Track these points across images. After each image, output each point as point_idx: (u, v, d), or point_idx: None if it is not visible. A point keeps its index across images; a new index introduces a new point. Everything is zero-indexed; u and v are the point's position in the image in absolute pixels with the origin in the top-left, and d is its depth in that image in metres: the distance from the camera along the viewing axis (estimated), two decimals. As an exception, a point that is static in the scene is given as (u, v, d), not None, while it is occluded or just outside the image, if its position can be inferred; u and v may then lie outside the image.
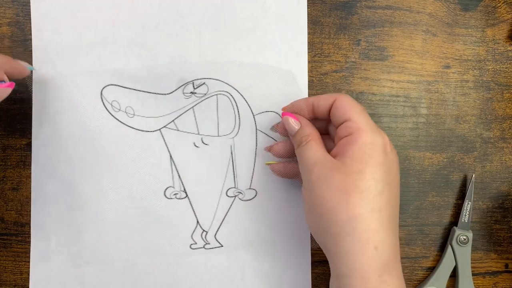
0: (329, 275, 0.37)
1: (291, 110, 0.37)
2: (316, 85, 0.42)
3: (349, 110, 0.33)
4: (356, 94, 0.43)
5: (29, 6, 0.39)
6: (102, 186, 0.40)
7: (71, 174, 0.39)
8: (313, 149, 0.33)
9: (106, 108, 0.39)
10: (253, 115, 0.41)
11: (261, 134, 0.41)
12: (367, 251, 0.29)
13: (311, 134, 0.34)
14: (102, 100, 0.39)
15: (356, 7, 0.43)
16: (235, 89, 0.41)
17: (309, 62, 0.42)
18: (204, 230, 0.41)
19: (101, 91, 0.39)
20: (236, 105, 0.41)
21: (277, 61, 0.41)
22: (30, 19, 0.39)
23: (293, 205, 0.41)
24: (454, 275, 0.43)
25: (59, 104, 0.39)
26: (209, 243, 0.41)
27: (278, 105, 0.41)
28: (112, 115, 0.39)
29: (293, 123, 0.36)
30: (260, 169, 0.41)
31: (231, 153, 0.41)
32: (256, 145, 0.41)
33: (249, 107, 0.41)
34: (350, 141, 0.31)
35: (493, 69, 0.44)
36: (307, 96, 0.42)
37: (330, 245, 0.30)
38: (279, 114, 0.41)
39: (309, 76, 0.42)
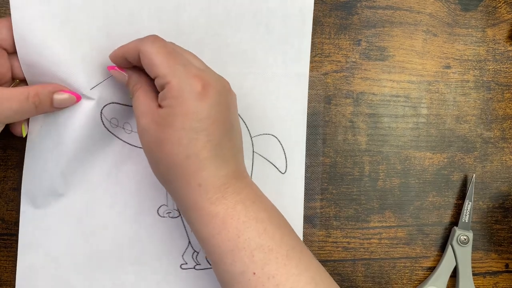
0: (330, 274, 0.37)
1: (118, 61, 0.35)
2: (316, 85, 0.42)
3: (154, 66, 0.32)
4: (356, 94, 0.43)
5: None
6: (95, 201, 0.39)
7: (65, 188, 0.38)
8: (140, 99, 0.33)
9: (104, 124, 0.38)
10: (251, 137, 0.40)
11: (258, 157, 0.40)
12: (193, 190, 0.32)
13: (140, 82, 0.34)
14: (101, 117, 0.37)
15: (357, 7, 0.43)
16: None
17: (309, 62, 0.42)
18: (195, 251, 0.40)
19: (101, 110, 0.37)
20: None
21: (277, 85, 0.40)
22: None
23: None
24: (454, 275, 0.43)
25: (53, 118, 0.37)
26: (199, 264, 0.40)
27: (277, 128, 0.40)
28: (109, 131, 0.38)
29: (119, 75, 0.35)
30: None
31: None
32: (252, 168, 0.40)
33: (247, 128, 0.40)
34: (163, 95, 0.32)
35: (493, 69, 0.44)
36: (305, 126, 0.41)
37: (168, 186, 0.34)
38: (277, 138, 0.40)
39: (309, 76, 0.42)
